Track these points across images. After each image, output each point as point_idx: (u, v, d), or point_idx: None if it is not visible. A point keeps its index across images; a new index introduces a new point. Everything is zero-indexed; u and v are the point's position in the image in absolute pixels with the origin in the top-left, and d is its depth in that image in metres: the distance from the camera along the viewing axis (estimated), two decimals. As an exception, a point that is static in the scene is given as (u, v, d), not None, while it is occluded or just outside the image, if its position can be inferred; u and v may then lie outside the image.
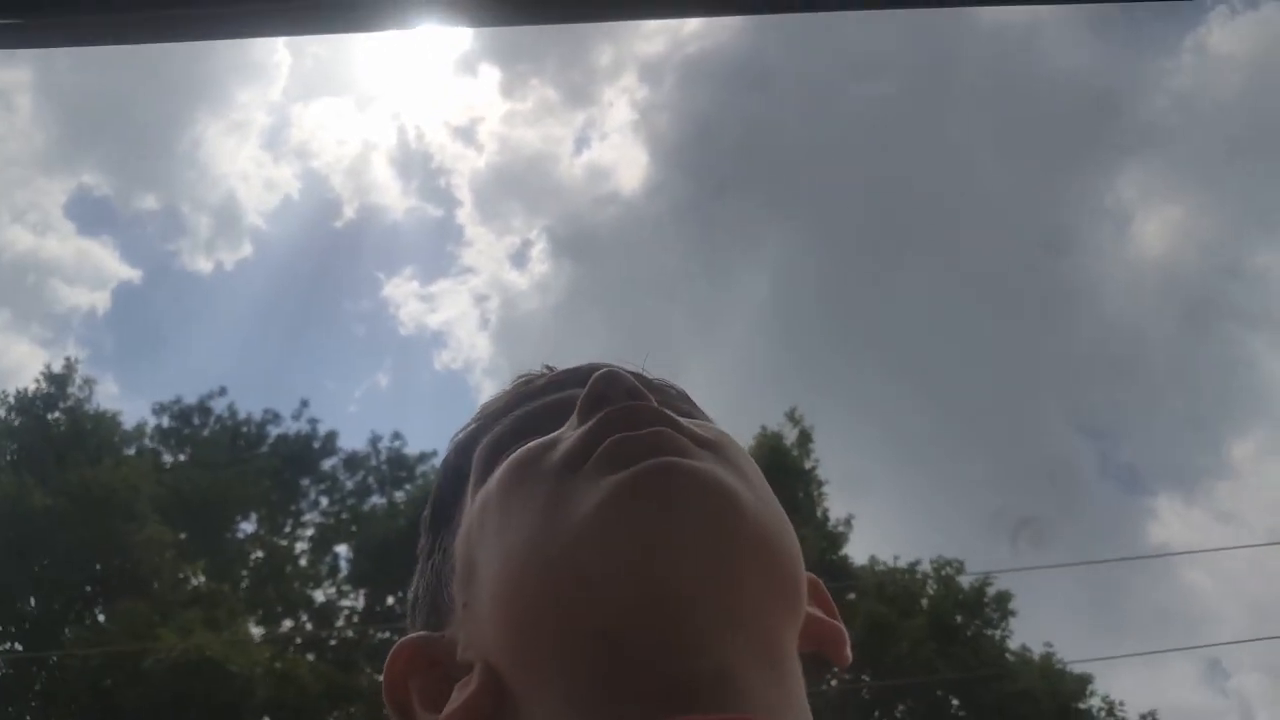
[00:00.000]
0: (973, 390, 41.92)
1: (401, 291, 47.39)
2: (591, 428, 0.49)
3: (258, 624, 17.47)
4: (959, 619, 20.86)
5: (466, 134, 57.13)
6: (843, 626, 0.56)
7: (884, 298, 44.15)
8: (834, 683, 19.55)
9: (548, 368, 0.62)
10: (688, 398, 0.63)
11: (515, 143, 49.07)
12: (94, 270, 43.67)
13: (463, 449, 0.60)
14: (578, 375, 0.58)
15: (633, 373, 0.58)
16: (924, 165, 46.39)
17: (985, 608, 21.08)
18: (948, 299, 44.58)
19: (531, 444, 0.51)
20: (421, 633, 0.55)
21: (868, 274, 45.97)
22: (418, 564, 0.59)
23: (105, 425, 19.36)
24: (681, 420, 0.51)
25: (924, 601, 21.13)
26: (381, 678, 0.53)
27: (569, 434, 0.50)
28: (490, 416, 0.60)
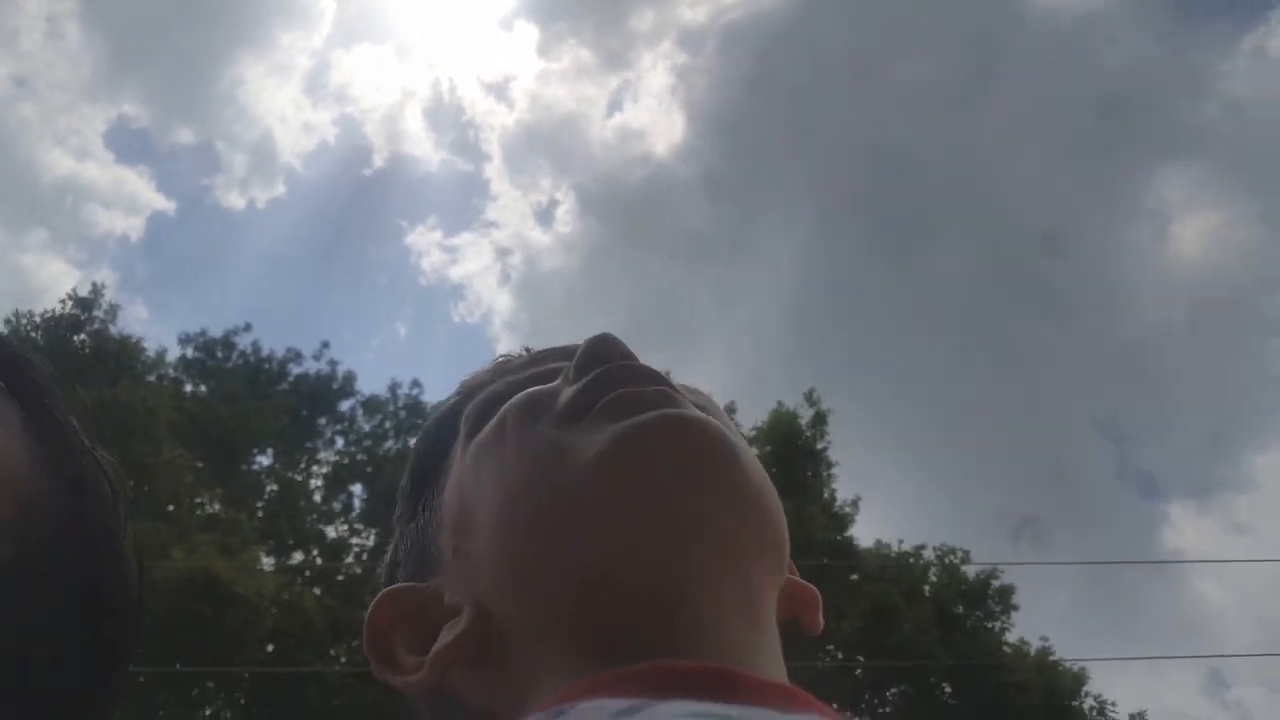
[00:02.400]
0: (993, 384, 41.69)
1: (425, 241, 47.48)
2: (590, 381, 0.49)
3: (269, 554, 17.74)
4: (960, 609, 20.94)
5: (500, 90, 56.86)
6: (815, 589, 0.57)
7: (912, 284, 43.81)
8: (829, 661, 19.70)
9: (527, 349, 0.64)
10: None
11: (548, 101, 48.79)
12: (129, 198, 43.92)
13: (444, 419, 0.60)
14: (562, 351, 0.59)
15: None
16: (960, 150, 45.82)
17: (989, 599, 21.13)
18: (976, 290, 44.21)
19: (531, 390, 0.52)
20: (406, 583, 0.54)
21: (897, 259, 45.60)
22: (396, 530, 0.59)
23: (128, 350, 19.59)
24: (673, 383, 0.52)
25: (926, 588, 21.20)
26: (365, 624, 0.52)
27: (566, 388, 0.51)
28: (473, 388, 0.60)
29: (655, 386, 0.49)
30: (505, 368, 0.61)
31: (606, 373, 0.49)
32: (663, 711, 0.38)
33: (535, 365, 0.59)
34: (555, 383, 0.52)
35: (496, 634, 0.47)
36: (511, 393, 0.53)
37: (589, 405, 0.48)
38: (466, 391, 0.60)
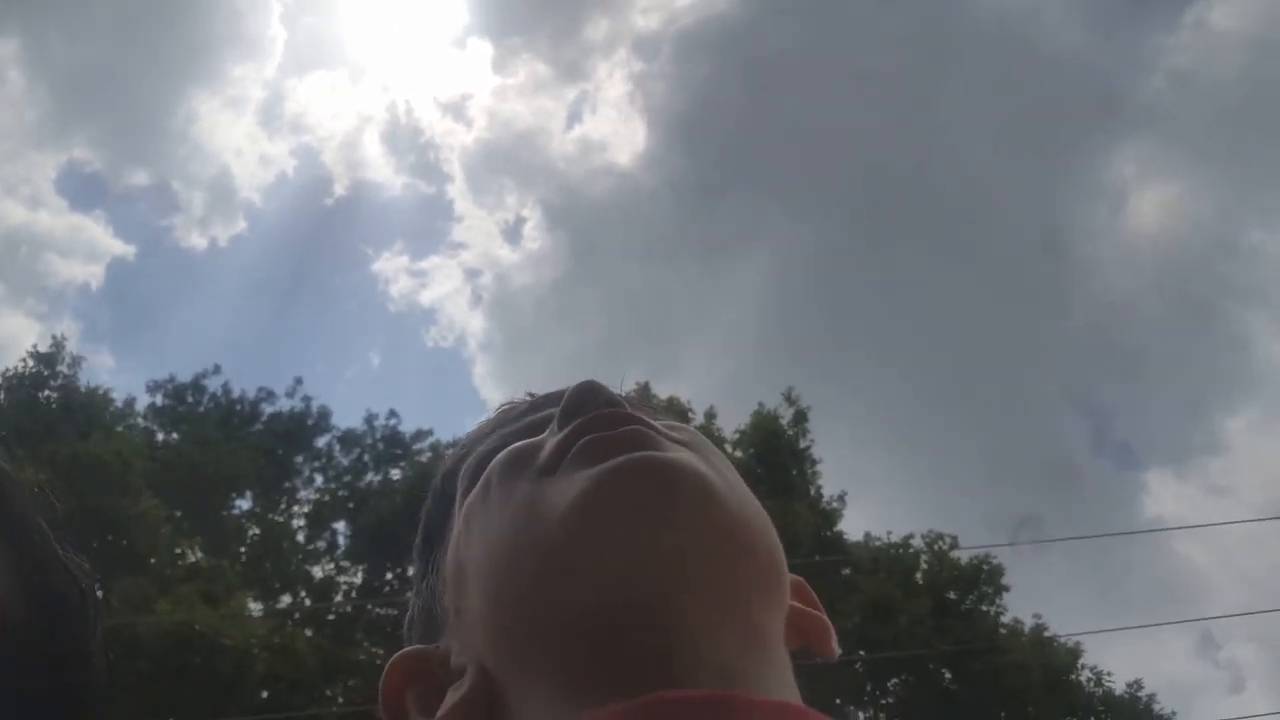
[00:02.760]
0: (966, 370, 42.10)
1: (393, 267, 47.18)
2: (568, 432, 0.50)
3: (255, 599, 17.48)
4: (953, 595, 21.06)
5: (457, 109, 56.77)
6: (828, 620, 0.57)
7: (881, 277, 44.18)
8: (820, 662, 19.71)
9: (530, 395, 0.64)
10: (662, 409, 0.63)
11: (506, 117, 48.75)
12: (87, 245, 43.35)
13: (449, 474, 0.61)
14: (557, 396, 0.58)
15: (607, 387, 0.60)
16: (920, 142, 46.37)
17: (981, 583, 21.28)
18: (943, 278, 44.63)
19: (514, 446, 0.53)
20: (416, 646, 0.55)
21: (865, 252, 45.99)
22: (413, 588, 0.60)
23: (96, 402, 19.29)
24: (655, 423, 0.53)
25: (918, 576, 21.30)
26: (380, 688, 0.53)
27: (549, 440, 0.51)
28: (474, 441, 0.61)
29: (630, 428, 0.49)
30: (505, 417, 0.61)
31: (586, 421, 0.50)
32: None
33: (533, 413, 0.60)
34: (543, 435, 0.53)
35: (499, 693, 0.48)
36: (504, 446, 0.54)
37: (563, 456, 0.49)
38: (468, 446, 0.61)
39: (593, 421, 0.50)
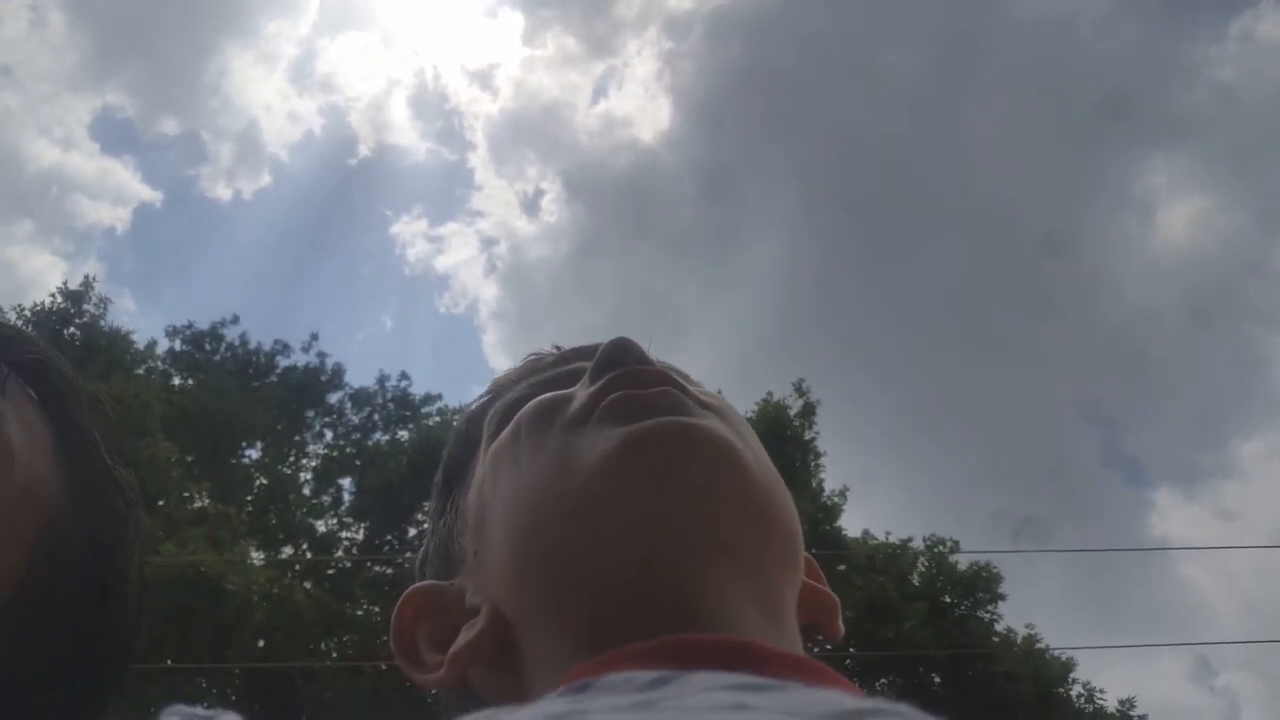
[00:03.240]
0: (980, 374, 41.87)
1: (410, 231, 47.28)
2: (601, 386, 0.50)
3: (259, 548, 17.71)
4: (949, 599, 21.07)
5: (484, 78, 56.60)
6: (836, 597, 0.57)
7: (898, 276, 43.93)
8: (816, 650, 19.83)
9: (556, 348, 0.64)
10: (688, 378, 0.63)
11: (532, 89, 48.59)
12: (115, 189, 43.67)
13: (474, 418, 0.61)
14: (587, 351, 0.59)
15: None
16: (947, 141, 45.95)
17: (976, 588, 21.29)
18: (962, 280, 44.34)
19: (545, 396, 0.53)
20: (431, 581, 0.56)
21: (883, 250, 45.68)
22: (428, 524, 0.61)
23: (118, 343, 19.49)
24: (687, 385, 0.53)
25: (915, 578, 21.33)
26: (390, 623, 0.54)
27: (581, 392, 0.52)
28: (501, 387, 0.61)
29: (660, 388, 0.49)
30: (534, 367, 0.62)
31: (618, 377, 0.50)
32: (695, 681, 0.38)
33: (562, 365, 0.60)
34: (574, 387, 0.53)
35: (513, 635, 0.49)
36: (534, 395, 0.55)
37: (597, 407, 0.49)
38: (495, 391, 0.61)
39: (626, 376, 0.50)
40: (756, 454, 0.51)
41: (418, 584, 0.55)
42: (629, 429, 0.47)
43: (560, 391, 0.53)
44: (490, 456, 0.53)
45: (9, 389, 0.60)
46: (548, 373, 0.59)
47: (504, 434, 0.53)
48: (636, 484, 0.46)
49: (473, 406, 0.63)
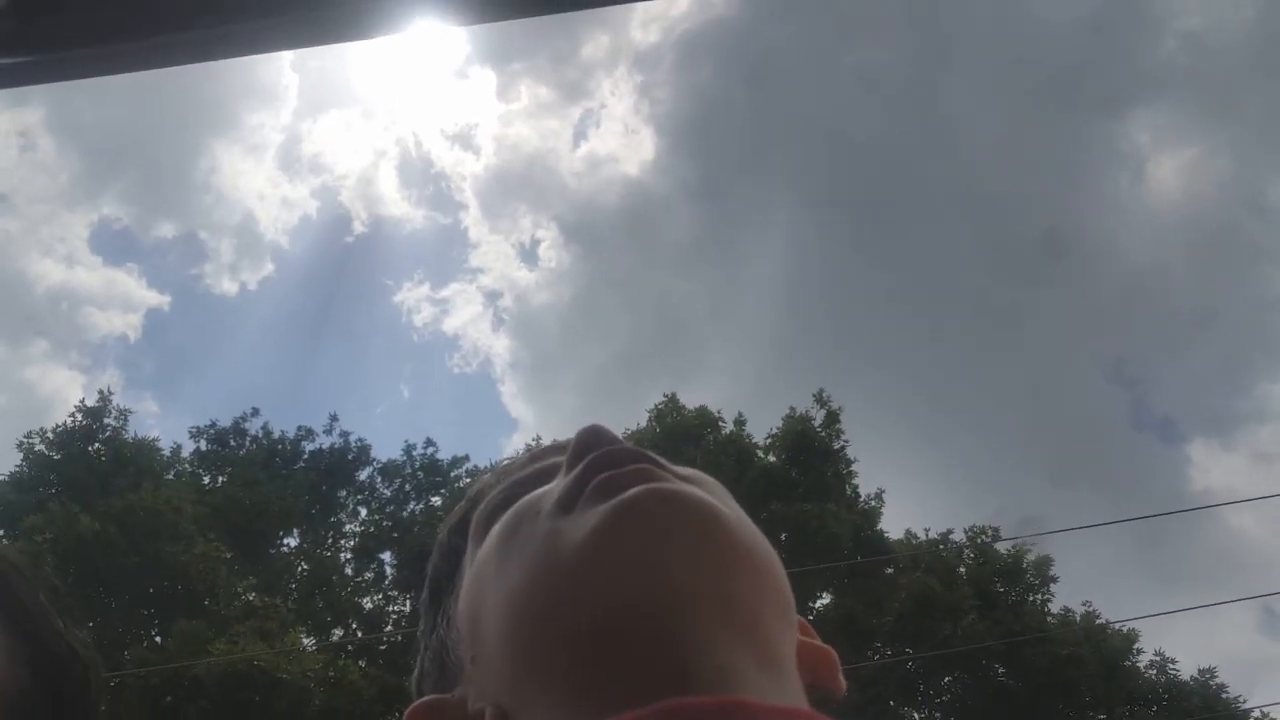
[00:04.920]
0: (999, 356, 41.64)
1: (414, 297, 47.74)
2: (579, 472, 0.51)
3: (308, 634, 17.76)
4: (1000, 588, 20.86)
5: (465, 139, 57.33)
6: (832, 651, 0.57)
7: (902, 265, 43.88)
8: (877, 657, 19.62)
9: (530, 445, 0.71)
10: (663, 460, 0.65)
11: (514, 141, 49.21)
12: (123, 298, 44.35)
13: (456, 529, 0.61)
14: (559, 446, 0.60)
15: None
16: (931, 127, 46.09)
17: (1025, 573, 21.07)
18: (965, 263, 44.23)
19: (525, 497, 0.54)
20: (432, 696, 0.55)
21: (880, 240, 45.72)
22: (420, 640, 0.61)
23: (145, 452, 19.75)
24: (661, 460, 0.54)
25: (962, 570, 21.14)
26: None
27: (557, 484, 0.53)
28: (479, 494, 0.61)
29: (639, 465, 0.51)
30: (508, 470, 0.62)
31: (595, 460, 0.51)
32: None
33: (536, 462, 0.61)
34: (551, 484, 0.54)
35: None
36: (514, 495, 0.56)
37: (579, 493, 0.50)
38: (473, 499, 0.62)
39: (604, 458, 0.51)
40: (739, 518, 0.51)
41: (418, 701, 0.55)
42: (614, 501, 0.48)
43: (540, 490, 0.54)
44: (478, 562, 0.54)
45: None
46: (524, 471, 0.60)
47: (490, 538, 0.54)
48: (623, 545, 0.47)
49: (452, 518, 0.63)
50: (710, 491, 0.52)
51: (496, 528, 0.54)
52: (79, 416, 19.70)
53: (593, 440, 0.53)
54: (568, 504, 0.50)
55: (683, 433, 21.47)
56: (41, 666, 0.64)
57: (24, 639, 0.63)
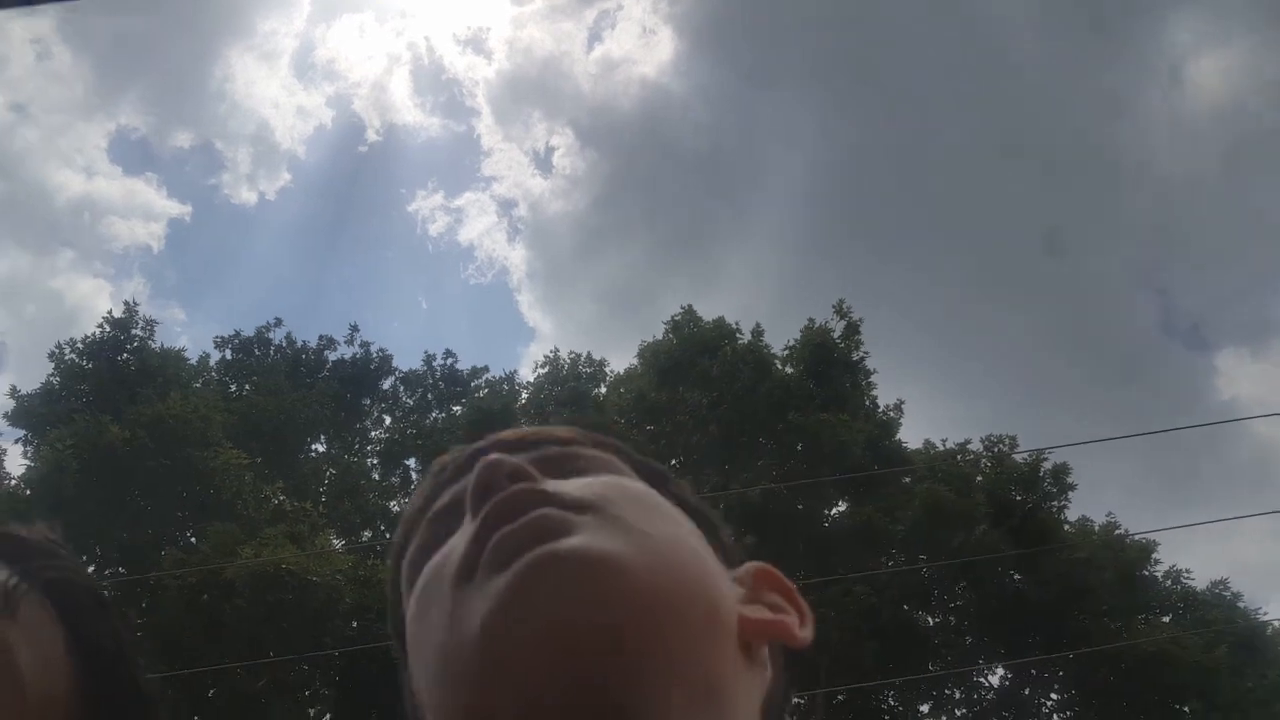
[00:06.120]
0: (1021, 261, 41.06)
1: (428, 206, 47.43)
2: (476, 531, 0.50)
3: (338, 537, 18.28)
4: (1016, 496, 21.02)
5: (477, 43, 56.03)
6: (792, 617, 0.55)
7: (925, 170, 43.02)
8: (890, 564, 20.00)
9: (462, 447, 0.66)
10: (583, 439, 0.62)
11: (526, 45, 48.04)
12: (144, 207, 44.49)
13: (396, 561, 0.61)
14: (469, 460, 0.59)
15: (519, 436, 0.61)
16: (963, 25, 44.51)
17: (1042, 481, 21.20)
18: (992, 166, 43.24)
19: (431, 563, 0.54)
20: None
21: (907, 146, 44.69)
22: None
23: (172, 361, 20.03)
24: (565, 487, 0.53)
25: (979, 479, 21.28)
26: None
27: (460, 542, 0.52)
28: (408, 522, 0.61)
29: (531, 515, 0.50)
30: (436, 484, 0.62)
31: (488, 514, 0.51)
32: None
33: (456, 481, 0.60)
34: (457, 534, 0.54)
35: None
36: (429, 539, 0.56)
37: (477, 558, 0.50)
38: (406, 524, 0.62)
39: (497, 510, 0.51)
40: (647, 541, 0.50)
41: None
42: (504, 577, 0.47)
43: (442, 551, 0.54)
44: (409, 635, 0.55)
45: (24, 606, 0.61)
46: (442, 499, 0.59)
47: (411, 603, 0.55)
48: (520, 629, 0.46)
49: (390, 567, 0.62)
50: (613, 517, 0.51)
51: (415, 594, 0.54)
52: (106, 328, 19.96)
53: (491, 482, 0.52)
54: (467, 571, 0.50)
55: (700, 344, 21.49)
56: (106, 710, 0.63)
57: (92, 679, 0.63)
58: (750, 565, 0.59)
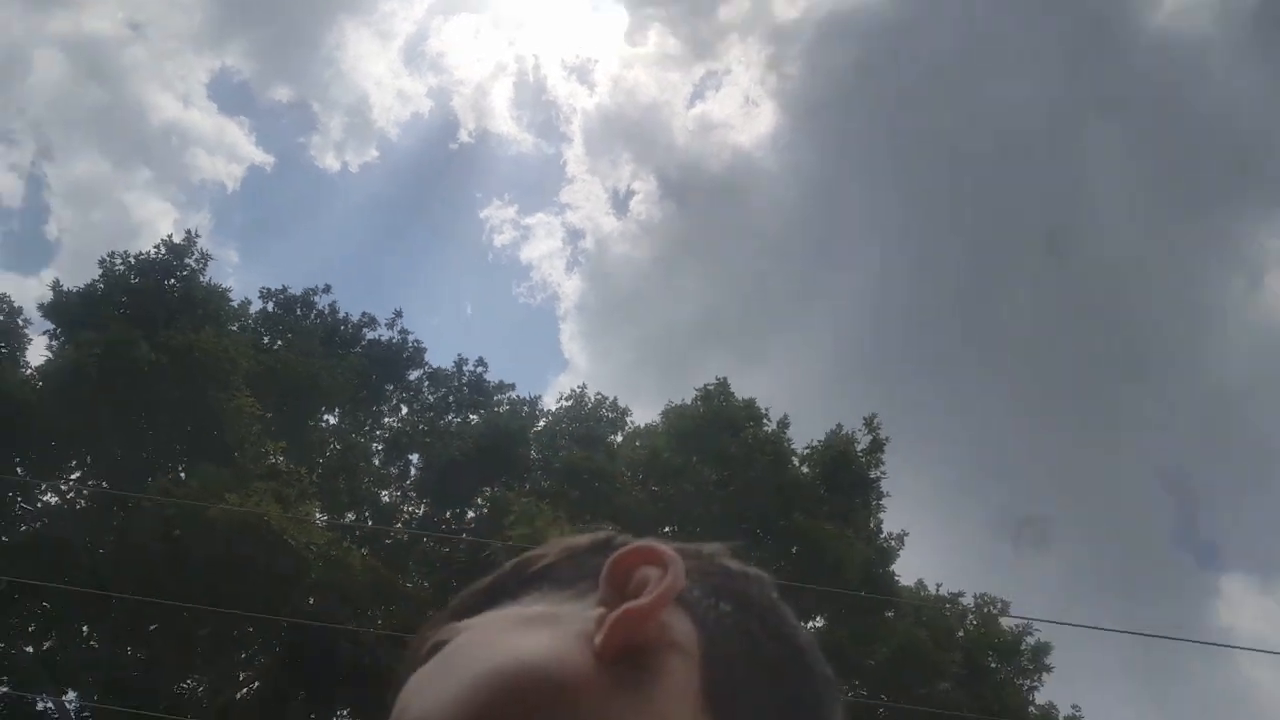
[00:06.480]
0: (1063, 428, 40.40)
1: (499, 217, 48.10)
2: None
3: (323, 510, 18.29)
4: (992, 663, 20.45)
5: (583, 72, 57.16)
6: (629, 607, 0.50)
7: (987, 314, 42.75)
8: (851, 694, 19.50)
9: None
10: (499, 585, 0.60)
11: (631, 86, 48.91)
12: (230, 148, 45.61)
13: None
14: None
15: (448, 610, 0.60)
16: (1054, 180, 44.46)
17: (1021, 654, 20.64)
18: (1058, 330, 42.84)
19: None
20: None
21: (975, 285, 44.55)
22: None
23: (215, 299, 20.34)
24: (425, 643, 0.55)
25: (960, 634, 20.77)
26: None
27: None
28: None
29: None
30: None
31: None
32: None
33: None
34: None
35: None
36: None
37: None
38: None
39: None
40: (458, 677, 0.49)
41: None
42: None
43: None
44: None
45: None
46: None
47: None
48: None
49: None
50: (444, 662, 0.52)
51: None
52: (162, 249, 20.35)
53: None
54: None
55: (725, 419, 21.39)
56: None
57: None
58: (605, 567, 0.53)
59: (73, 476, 18.33)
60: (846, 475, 21.41)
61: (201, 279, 20.07)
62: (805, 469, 21.57)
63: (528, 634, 0.50)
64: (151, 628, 16.62)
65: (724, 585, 0.56)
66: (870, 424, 22.12)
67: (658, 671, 0.48)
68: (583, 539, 0.61)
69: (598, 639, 0.48)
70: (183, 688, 18.23)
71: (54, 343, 18.40)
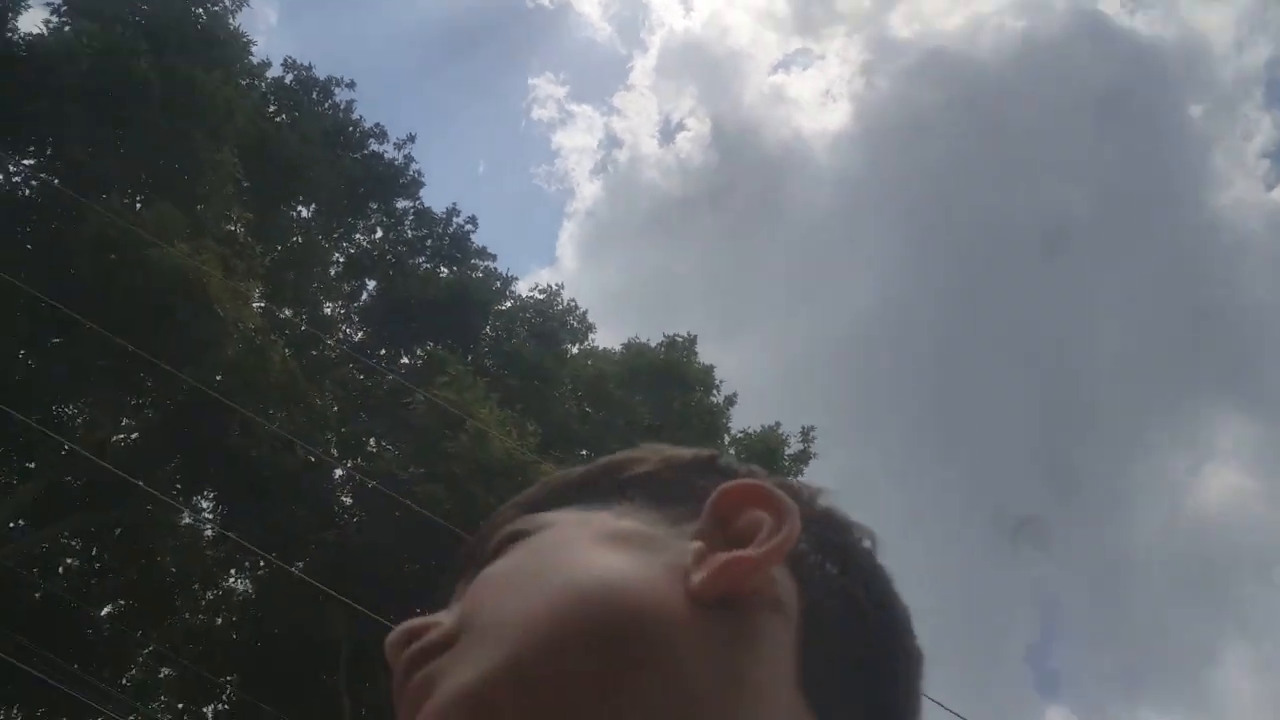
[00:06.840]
0: (977, 533, 41.03)
1: (545, 91, 46.85)
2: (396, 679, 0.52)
3: (262, 296, 17.67)
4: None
5: (688, -10, 55.54)
6: (759, 539, 0.48)
7: (956, 399, 42.97)
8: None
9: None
10: (532, 501, 0.59)
11: (726, 25, 47.73)
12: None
13: None
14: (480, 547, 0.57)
15: (476, 539, 0.58)
16: (1065, 290, 44.58)
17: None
18: (1013, 481, 43.17)
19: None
20: None
21: (956, 370, 44.75)
22: None
23: (235, 46, 19.23)
24: (451, 615, 0.51)
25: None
26: None
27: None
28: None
29: (412, 682, 0.50)
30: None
31: (394, 682, 0.52)
32: None
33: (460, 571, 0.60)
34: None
35: None
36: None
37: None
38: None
39: (398, 680, 0.51)
40: (499, 635, 0.46)
41: None
42: None
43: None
44: None
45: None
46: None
47: None
48: None
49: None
50: (479, 634, 0.48)
51: None
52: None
53: (391, 654, 0.52)
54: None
55: (679, 375, 21.06)
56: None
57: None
58: (710, 499, 0.51)
59: (26, 162, 17.34)
60: (767, 469, 21.30)
61: (230, 21, 18.96)
62: (732, 450, 21.40)
63: (618, 552, 0.48)
64: (54, 341, 15.97)
65: (830, 540, 0.54)
66: (805, 435, 21.94)
67: (755, 631, 0.46)
68: (684, 452, 0.60)
69: (695, 577, 0.47)
70: (62, 412, 17.68)
71: (54, 19, 17.21)
